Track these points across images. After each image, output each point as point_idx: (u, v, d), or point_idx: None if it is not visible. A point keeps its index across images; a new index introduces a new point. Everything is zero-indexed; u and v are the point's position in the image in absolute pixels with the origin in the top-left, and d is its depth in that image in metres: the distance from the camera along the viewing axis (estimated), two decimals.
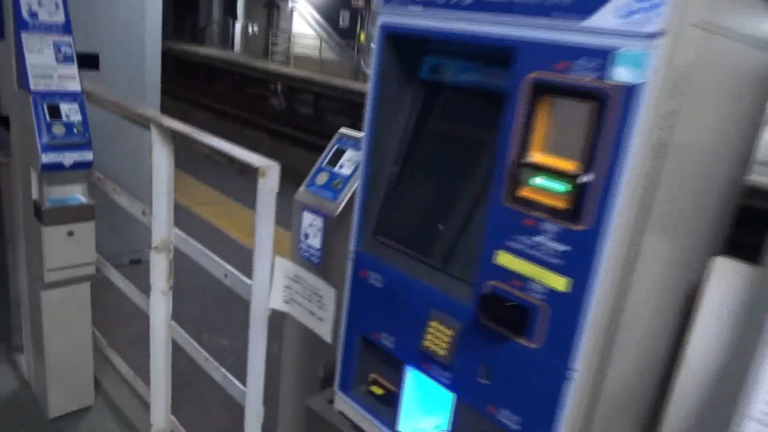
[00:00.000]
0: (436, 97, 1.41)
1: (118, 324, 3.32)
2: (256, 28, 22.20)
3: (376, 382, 1.56)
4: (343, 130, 1.75)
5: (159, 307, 2.33)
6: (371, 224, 1.48)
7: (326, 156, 1.72)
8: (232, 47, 23.07)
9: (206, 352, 2.23)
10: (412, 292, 1.37)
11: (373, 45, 1.43)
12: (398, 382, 1.48)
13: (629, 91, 0.95)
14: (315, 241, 1.66)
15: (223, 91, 18.99)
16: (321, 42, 19.12)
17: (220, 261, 2.03)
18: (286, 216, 1.77)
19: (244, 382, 1.96)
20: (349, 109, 15.43)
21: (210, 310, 3.82)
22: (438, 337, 1.30)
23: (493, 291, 1.19)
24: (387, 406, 1.52)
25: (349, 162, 1.64)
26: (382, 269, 1.43)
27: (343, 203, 1.59)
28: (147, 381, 2.51)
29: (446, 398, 1.38)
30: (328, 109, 16.98)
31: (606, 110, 0.97)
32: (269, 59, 20.39)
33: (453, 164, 1.38)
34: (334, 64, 18.08)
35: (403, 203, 1.44)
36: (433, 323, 1.31)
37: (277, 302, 1.81)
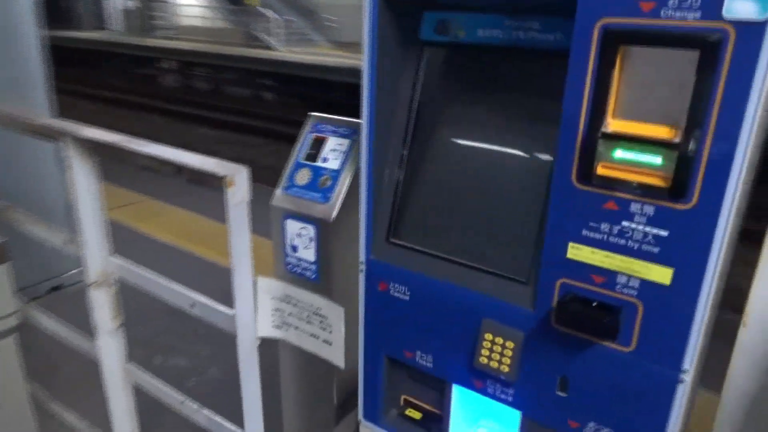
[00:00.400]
0: (447, 62, 1.15)
1: (54, 365, 2.89)
2: (132, 3, 20.37)
3: (410, 405, 1.34)
4: (315, 114, 1.45)
5: (110, 351, 1.97)
6: (383, 226, 1.23)
7: (301, 148, 1.42)
8: (109, 27, 21.11)
9: (162, 377, 1.91)
10: (452, 301, 1.14)
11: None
12: (441, 402, 1.27)
13: (753, 31, 0.74)
14: (308, 254, 1.39)
15: (108, 77, 17.46)
16: (207, 10, 17.87)
17: (183, 289, 1.70)
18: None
19: (227, 414, 1.69)
20: (249, 78, 14.64)
21: (158, 327, 3.42)
22: (496, 351, 1.09)
23: (568, 291, 0.98)
24: (427, 430, 1.31)
25: (335, 152, 1.36)
26: (407, 278, 1.19)
27: (338, 204, 1.32)
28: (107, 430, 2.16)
29: (502, 410, 1.19)
30: (227, 81, 16.04)
31: (719, 57, 0.77)
32: (152, 35, 18.86)
33: (479, 142, 1.14)
34: (225, 32, 16.96)
35: (421, 196, 1.19)
36: (488, 335, 1.10)
37: (266, 329, 1.53)
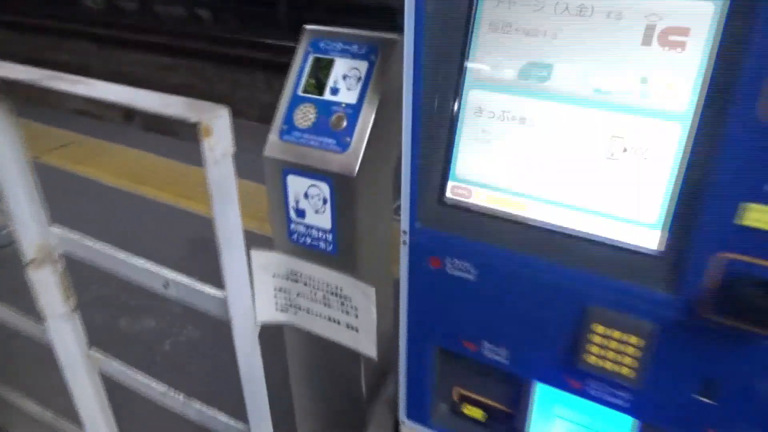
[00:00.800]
0: None
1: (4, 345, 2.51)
2: None
3: (466, 400, 1.06)
4: (312, 27, 1.06)
5: (65, 338, 1.62)
6: (434, 181, 0.89)
7: (299, 76, 1.03)
8: None
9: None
10: (541, 282, 0.83)
11: None
12: (513, 399, 0.99)
13: None
14: (321, 220, 1.04)
15: (23, 1, 15.64)
16: None
17: (151, 265, 1.34)
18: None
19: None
20: None
21: (118, 282, 3.03)
22: (611, 347, 0.80)
23: (737, 270, 0.69)
24: (490, 430, 1.05)
25: (349, 80, 0.99)
26: (473, 252, 0.87)
27: (361, 151, 0.97)
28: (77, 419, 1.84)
29: (595, 409, 0.93)
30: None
31: None
32: None
33: (571, 58, 0.79)
34: None
35: (489, 136, 0.85)
36: (598, 327, 0.80)
37: (267, 313, 1.21)
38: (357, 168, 0.96)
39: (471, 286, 0.89)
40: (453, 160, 0.86)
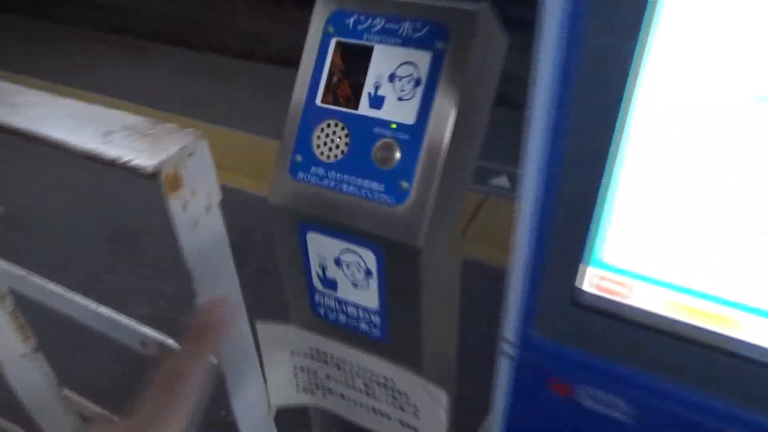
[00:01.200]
0: None
1: None
2: None
3: None
4: None
5: (31, 383, 1.31)
6: (566, 267, 0.53)
7: (316, 74, 0.64)
8: None
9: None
10: None
11: None
12: None
13: None
14: (363, 297, 0.68)
15: None
16: None
17: (122, 318, 1.01)
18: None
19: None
20: None
21: (99, 259, 2.70)
22: None
23: None
24: None
25: (401, 82, 0.60)
26: (631, 382, 0.53)
27: (430, 207, 0.59)
28: None
29: None
30: None
31: None
32: None
33: None
34: None
35: (678, 194, 0.48)
36: None
37: (286, 394, 0.88)
38: (423, 232, 0.59)
39: (619, 427, 0.56)
40: (598, 231, 0.50)
